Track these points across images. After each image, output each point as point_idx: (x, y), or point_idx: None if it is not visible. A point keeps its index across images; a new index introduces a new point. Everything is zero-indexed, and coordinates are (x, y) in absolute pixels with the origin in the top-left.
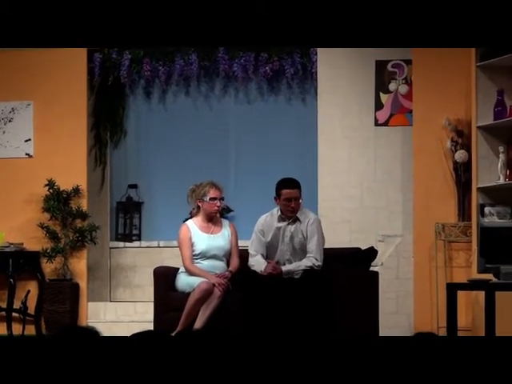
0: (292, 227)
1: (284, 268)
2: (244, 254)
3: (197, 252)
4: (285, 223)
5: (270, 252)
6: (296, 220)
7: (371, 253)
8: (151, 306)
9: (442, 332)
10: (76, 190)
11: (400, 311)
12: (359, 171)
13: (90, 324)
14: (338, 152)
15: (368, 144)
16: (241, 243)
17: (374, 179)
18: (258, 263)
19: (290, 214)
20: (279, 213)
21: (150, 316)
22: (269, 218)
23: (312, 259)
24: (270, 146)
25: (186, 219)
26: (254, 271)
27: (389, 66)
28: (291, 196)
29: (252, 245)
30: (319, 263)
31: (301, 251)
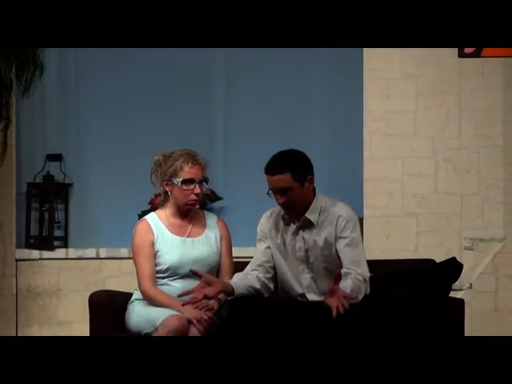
0: (307, 232)
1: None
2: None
3: (163, 267)
4: (294, 226)
5: (281, 271)
6: (308, 222)
7: (452, 268)
8: None
9: None
10: None
11: None
12: (432, 132)
13: None
14: (397, 100)
15: (448, 87)
16: (236, 252)
17: (458, 145)
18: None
19: (285, 213)
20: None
21: None
22: (275, 216)
23: (357, 276)
24: (279, 96)
25: (145, 212)
26: (257, 296)
27: None
28: (273, 186)
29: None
30: (366, 288)
31: (325, 272)
